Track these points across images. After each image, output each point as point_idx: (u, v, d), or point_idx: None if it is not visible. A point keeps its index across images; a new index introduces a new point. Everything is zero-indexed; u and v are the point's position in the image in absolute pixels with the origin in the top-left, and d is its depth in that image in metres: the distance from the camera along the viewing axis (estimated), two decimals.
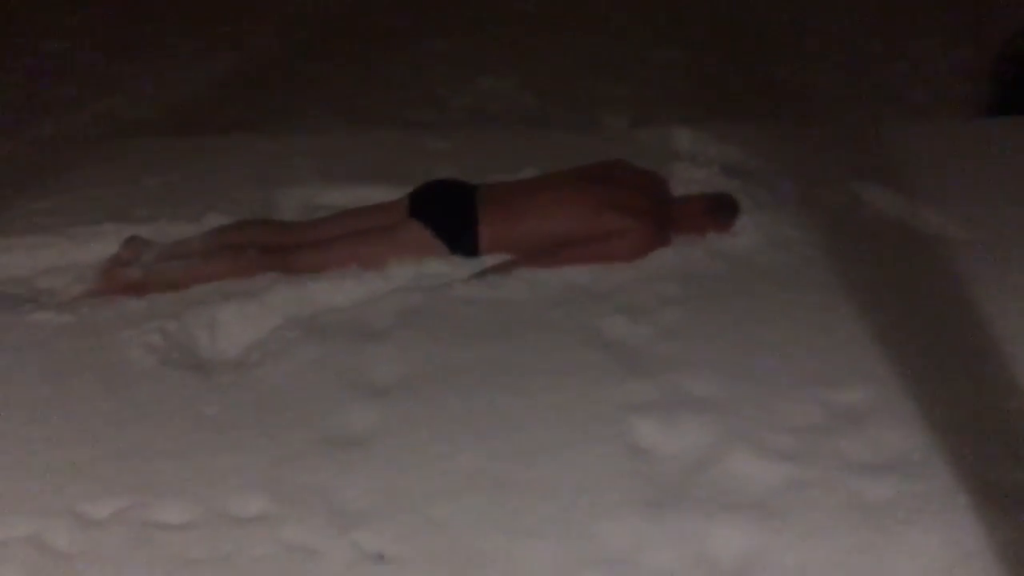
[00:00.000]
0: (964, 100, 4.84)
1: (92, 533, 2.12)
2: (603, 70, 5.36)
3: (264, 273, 3.04)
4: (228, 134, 4.31)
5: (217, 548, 2.08)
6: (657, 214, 3.14)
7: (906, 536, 2.07)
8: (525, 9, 6.40)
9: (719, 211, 3.23)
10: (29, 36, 5.98)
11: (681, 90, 5.05)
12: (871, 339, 2.69)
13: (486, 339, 2.73)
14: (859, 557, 2.04)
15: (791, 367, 2.59)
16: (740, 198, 3.32)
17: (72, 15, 6.37)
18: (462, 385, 2.54)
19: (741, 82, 5.17)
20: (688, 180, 3.48)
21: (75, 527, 2.13)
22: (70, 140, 4.41)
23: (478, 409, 2.45)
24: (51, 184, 3.67)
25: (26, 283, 3.14)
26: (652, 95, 5.00)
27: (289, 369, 2.64)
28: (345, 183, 3.69)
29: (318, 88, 5.17)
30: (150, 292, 2.98)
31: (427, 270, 3.07)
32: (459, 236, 3.11)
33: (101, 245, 3.22)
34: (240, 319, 2.89)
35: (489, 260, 3.11)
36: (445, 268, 3.09)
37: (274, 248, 3.11)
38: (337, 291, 3.00)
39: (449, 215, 3.13)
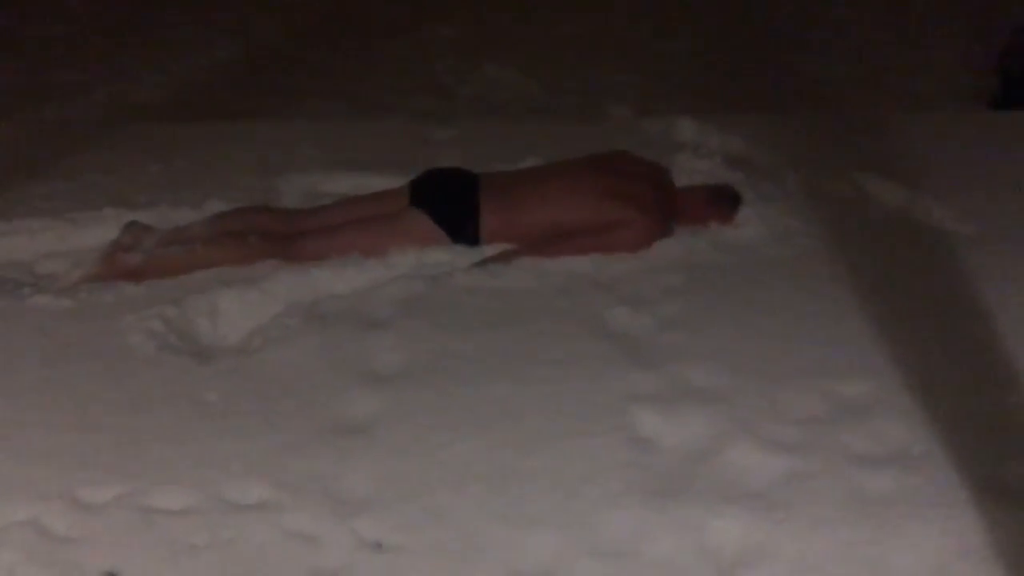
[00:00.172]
0: (969, 93, 4.83)
1: (91, 518, 2.11)
2: (608, 59, 5.35)
3: (265, 260, 3.03)
4: (231, 120, 4.30)
5: (217, 534, 2.08)
6: (660, 205, 3.13)
7: (907, 529, 2.06)
8: None
9: (722, 202, 3.23)
10: (32, 20, 5.97)
11: (686, 80, 5.04)
12: (874, 331, 2.68)
13: (488, 328, 2.72)
14: (860, 550, 2.03)
15: (793, 359, 2.58)
16: (744, 189, 3.32)
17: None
18: (464, 374, 2.54)
19: (746, 72, 5.16)
20: (691, 171, 3.48)
21: (74, 512, 2.12)
22: (72, 125, 4.40)
23: (480, 398, 2.44)
24: (52, 169, 3.66)
25: (26, 267, 3.13)
26: (657, 85, 4.99)
27: (290, 356, 2.63)
28: (348, 171, 3.68)
29: (322, 75, 5.16)
30: (150, 278, 2.97)
31: (428, 259, 3.06)
32: (461, 225, 3.10)
33: (102, 230, 3.21)
34: (241, 306, 2.88)
35: (491, 249, 3.10)
36: (446, 256, 3.08)
37: (275, 235, 3.10)
38: (338, 279, 2.99)
39: (451, 204, 3.12)
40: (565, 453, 2.27)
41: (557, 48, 5.52)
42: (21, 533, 2.07)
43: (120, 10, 6.23)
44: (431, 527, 2.10)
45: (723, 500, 2.13)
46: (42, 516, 2.11)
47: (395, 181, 3.39)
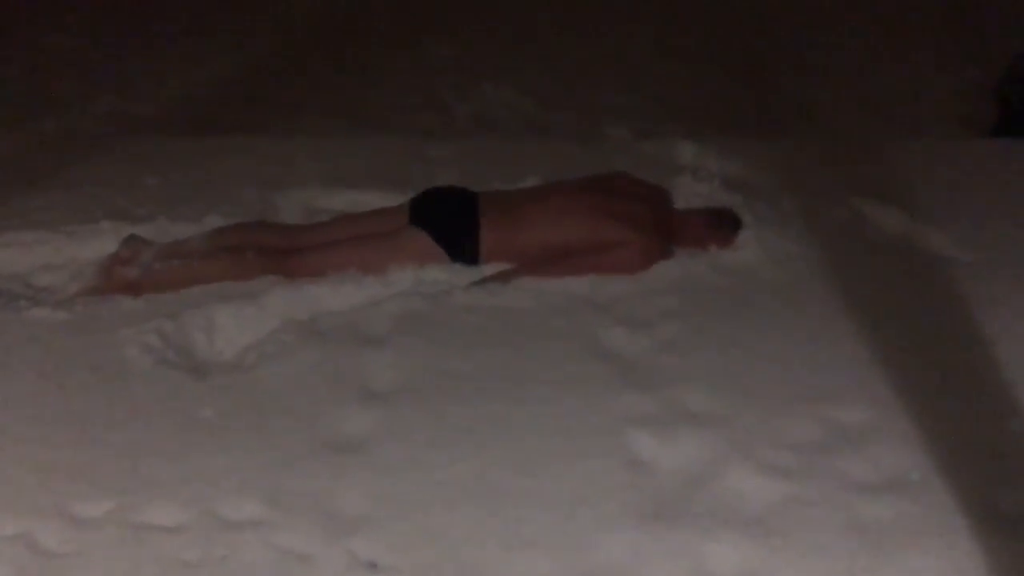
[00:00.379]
0: (967, 119, 4.84)
1: (83, 533, 2.10)
2: (606, 80, 5.36)
3: (263, 275, 3.02)
4: (230, 135, 4.29)
5: (209, 551, 2.06)
6: (659, 227, 3.13)
7: (904, 557, 2.06)
8: (530, 17, 6.40)
9: (721, 225, 3.23)
10: (31, 32, 5.97)
11: (684, 103, 5.04)
12: (871, 357, 2.68)
13: (485, 347, 2.71)
14: None
15: (791, 383, 2.58)
16: (742, 212, 3.31)
17: (75, 12, 6.34)
18: (460, 393, 2.53)
19: (744, 96, 5.17)
20: (690, 194, 3.48)
21: (66, 527, 2.11)
22: (71, 137, 4.39)
23: (476, 417, 2.44)
24: (50, 181, 3.65)
25: (23, 280, 3.12)
26: (654, 107, 4.99)
27: (286, 372, 2.62)
28: (346, 187, 3.67)
29: (321, 91, 5.16)
30: (147, 292, 2.96)
31: (427, 276, 3.05)
32: (460, 244, 3.09)
33: (99, 243, 3.20)
34: (238, 321, 2.87)
35: (489, 268, 3.10)
36: (445, 275, 3.07)
37: (273, 251, 3.09)
38: (336, 295, 2.98)
39: (450, 222, 3.12)
40: (561, 474, 2.26)
41: (555, 68, 5.53)
42: (12, 548, 2.06)
43: (120, 23, 6.23)
44: (425, 547, 2.09)
45: (720, 525, 2.12)
46: (34, 531, 2.10)
47: (393, 198, 3.39)
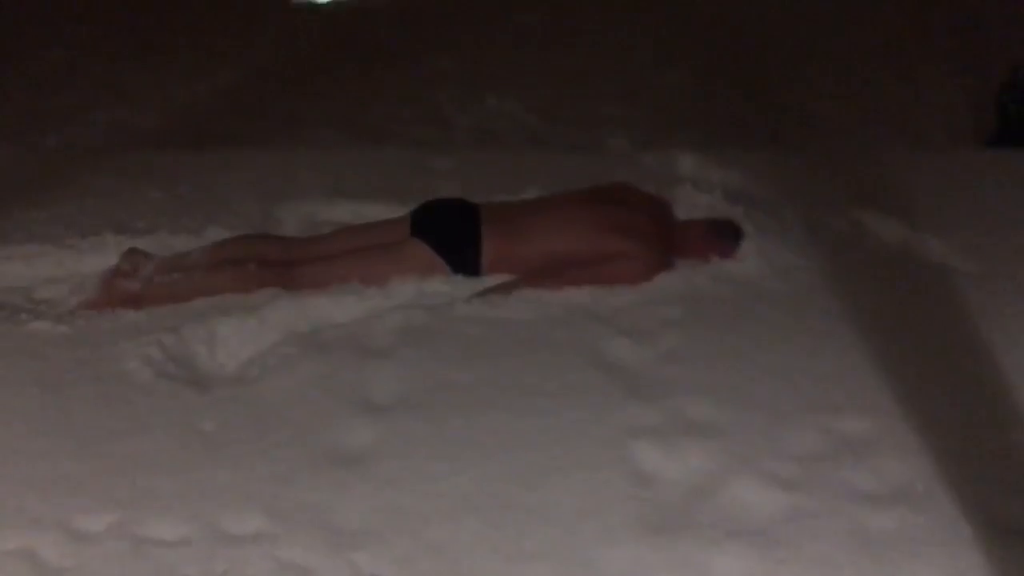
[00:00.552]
0: (968, 130, 4.85)
1: (85, 548, 2.09)
2: (606, 92, 5.37)
3: (264, 288, 3.01)
4: (231, 147, 4.30)
5: (211, 565, 2.05)
6: (661, 238, 3.13)
7: (909, 568, 2.04)
8: (530, 29, 6.42)
9: (723, 236, 3.22)
10: (33, 45, 5.98)
11: (685, 113, 5.05)
12: (874, 367, 2.67)
13: (487, 359, 2.71)
14: None
15: (794, 394, 2.57)
16: (743, 223, 3.31)
17: (76, 25, 6.37)
18: (462, 405, 2.52)
19: (745, 107, 5.17)
20: (691, 205, 3.47)
21: (67, 541, 2.10)
22: (72, 150, 4.40)
23: (478, 429, 2.43)
24: (52, 194, 3.65)
25: (24, 293, 3.11)
26: (654, 118, 5.00)
27: (288, 385, 2.61)
28: (348, 199, 3.68)
29: (322, 103, 5.17)
30: (149, 305, 2.96)
31: (428, 288, 3.05)
32: (462, 256, 3.09)
33: (101, 256, 3.20)
34: (239, 334, 2.86)
35: (491, 280, 3.09)
36: (446, 287, 3.07)
37: (275, 263, 3.09)
38: (337, 307, 2.98)
39: (452, 234, 3.12)
40: (564, 487, 2.26)
41: (556, 79, 5.54)
42: (13, 563, 2.05)
43: (121, 36, 6.25)
44: (427, 560, 2.07)
45: (724, 537, 2.11)
46: (35, 545, 2.08)
47: (394, 210, 3.39)
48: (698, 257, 3.19)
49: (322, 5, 7.00)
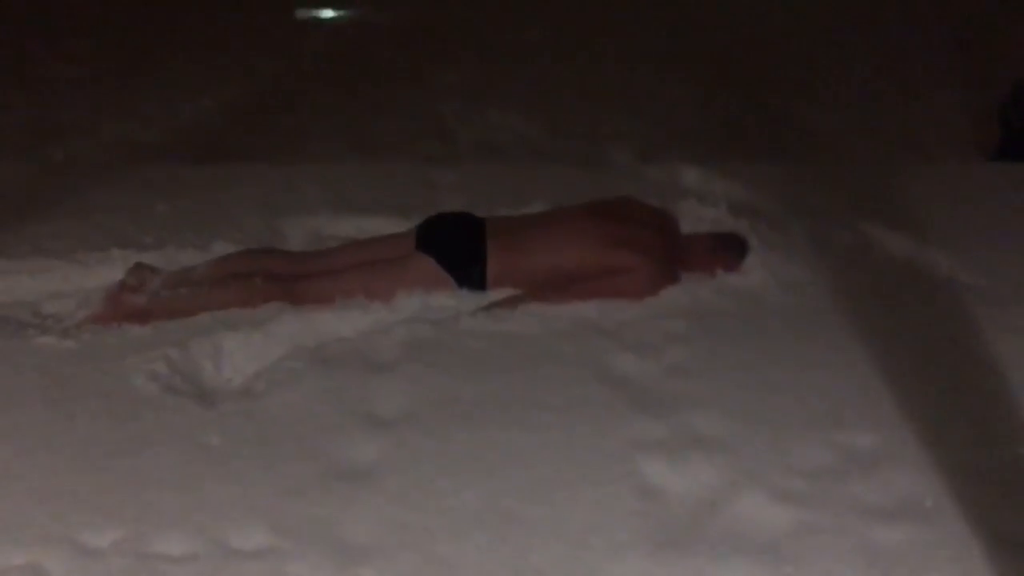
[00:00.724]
0: (974, 144, 4.85)
1: (91, 563, 2.08)
2: (609, 105, 5.38)
3: (270, 302, 3.02)
4: (237, 162, 4.31)
5: None
6: (667, 252, 3.13)
7: None
8: (534, 43, 6.44)
9: (728, 250, 3.23)
10: (39, 60, 6.01)
11: (689, 127, 5.06)
12: (881, 382, 2.66)
13: (493, 373, 2.70)
14: None
15: (801, 408, 2.57)
16: (749, 237, 3.31)
17: (82, 40, 6.40)
18: (469, 419, 2.52)
19: (750, 121, 5.18)
20: (696, 218, 3.48)
21: (74, 556, 2.09)
22: (78, 165, 4.41)
23: (485, 444, 2.42)
24: (58, 208, 3.66)
25: (30, 307, 3.11)
26: (658, 132, 5.00)
27: (294, 400, 2.61)
28: (353, 214, 3.69)
29: (328, 118, 5.19)
30: (155, 319, 2.96)
31: (434, 303, 3.05)
32: (467, 270, 3.09)
33: (107, 271, 3.20)
34: (245, 348, 2.87)
35: (496, 294, 3.09)
36: (452, 301, 3.07)
37: (280, 278, 3.09)
38: (343, 322, 2.98)
39: (457, 249, 3.12)
40: (570, 501, 2.25)
41: (560, 93, 5.56)
42: None
43: (127, 51, 6.28)
44: (434, 575, 2.07)
45: (732, 551, 2.10)
46: (41, 560, 2.08)
47: (399, 224, 3.39)
48: (703, 271, 3.18)
49: (327, 20, 7.03)
